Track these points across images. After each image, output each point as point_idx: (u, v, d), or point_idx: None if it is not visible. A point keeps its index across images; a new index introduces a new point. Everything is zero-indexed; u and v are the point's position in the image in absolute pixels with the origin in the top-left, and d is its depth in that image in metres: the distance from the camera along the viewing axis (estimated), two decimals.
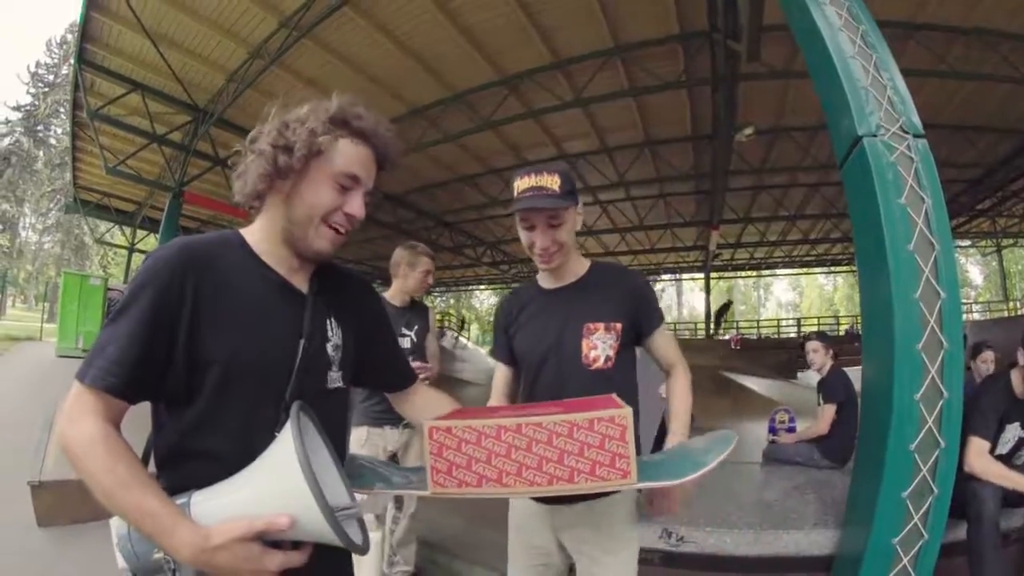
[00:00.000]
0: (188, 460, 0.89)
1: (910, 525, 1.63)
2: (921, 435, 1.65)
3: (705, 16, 6.56)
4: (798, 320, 27.76)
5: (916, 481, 1.63)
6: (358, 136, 0.98)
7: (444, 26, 7.22)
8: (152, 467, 0.90)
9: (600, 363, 1.44)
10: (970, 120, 8.67)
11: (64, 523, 3.30)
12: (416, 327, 2.90)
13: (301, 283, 1.00)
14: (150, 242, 18.28)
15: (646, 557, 2.34)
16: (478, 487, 0.94)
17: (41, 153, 44.83)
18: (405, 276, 2.92)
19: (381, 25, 7.32)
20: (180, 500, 0.78)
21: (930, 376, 1.67)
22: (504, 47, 7.75)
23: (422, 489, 0.98)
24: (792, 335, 23.30)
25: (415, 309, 2.98)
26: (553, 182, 1.39)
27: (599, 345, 1.44)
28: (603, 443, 0.91)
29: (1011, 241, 17.75)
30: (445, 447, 0.95)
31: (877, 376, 1.82)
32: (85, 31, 8.14)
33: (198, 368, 0.86)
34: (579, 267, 1.55)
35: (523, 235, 1.48)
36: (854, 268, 21.24)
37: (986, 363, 3.90)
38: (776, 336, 24.17)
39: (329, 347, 1.00)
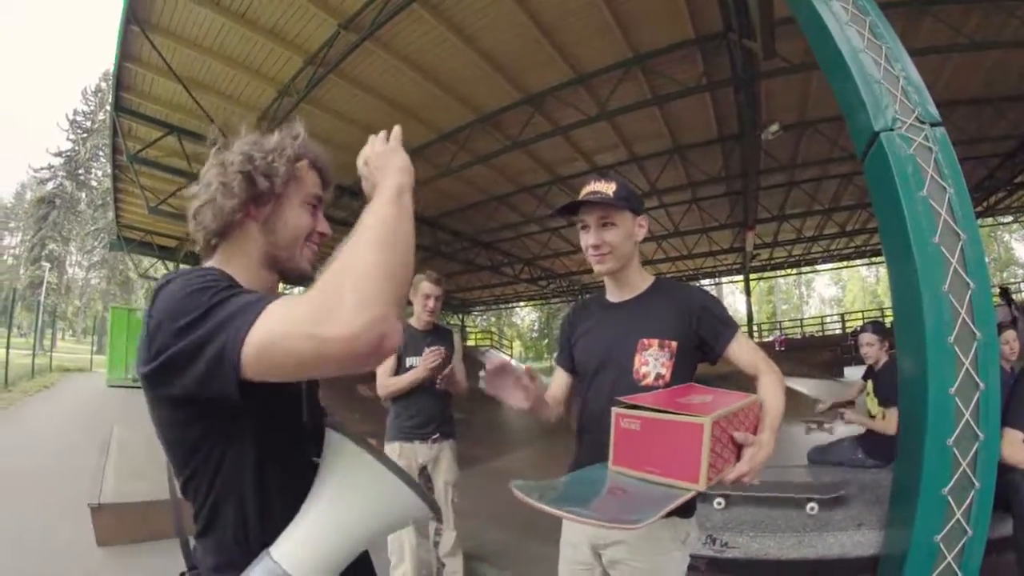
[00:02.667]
0: (250, 518, 0.88)
1: (952, 521, 1.60)
2: (959, 429, 1.62)
3: (719, 18, 6.53)
4: (842, 315, 27.00)
5: (956, 476, 1.61)
6: (314, 164, 1.04)
7: (464, 52, 7.35)
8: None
9: (650, 380, 1.46)
10: (998, 91, 8.24)
11: (123, 543, 3.48)
12: (441, 348, 3.02)
13: None
14: None
15: (691, 563, 2.36)
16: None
17: (83, 195, 47.60)
18: (412, 301, 3.07)
19: (404, 56, 7.50)
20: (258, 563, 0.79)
21: (964, 368, 1.65)
22: (525, 67, 7.84)
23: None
24: (836, 331, 22.69)
25: (437, 332, 3.12)
26: (608, 188, 1.49)
27: (650, 361, 1.46)
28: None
29: None
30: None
31: (911, 371, 1.80)
32: (119, 80, 8.52)
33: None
34: (642, 282, 1.60)
35: (581, 238, 1.56)
36: None
37: (1007, 344, 3.66)
38: (820, 334, 23.58)
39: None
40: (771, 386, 1.41)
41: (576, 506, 1.08)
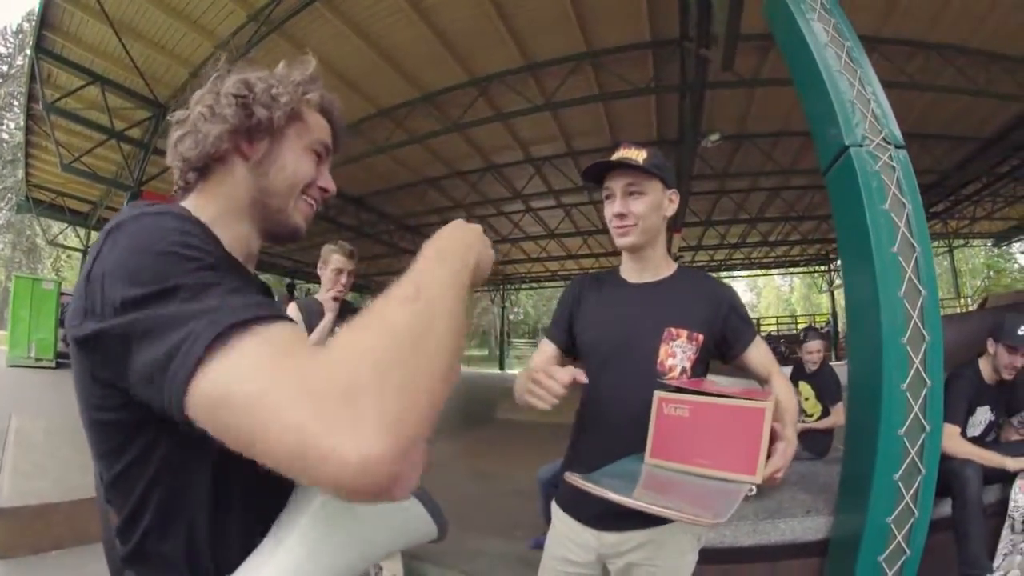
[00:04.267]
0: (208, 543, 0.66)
1: (902, 504, 1.77)
2: (909, 421, 1.79)
3: (677, 25, 6.76)
4: (757, 320, 28.71)
5: (906, 463, 1.77)
6: (323, 108, 0.89)
7: (417, 25, 7.18)
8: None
9: (675, 374, 1.34)
10: (928, 129, 9.14)
11: (25, 553, 3.01)
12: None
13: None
14: None
15: None
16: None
17: None
18: (320, 273, 2.81)
19: (353, 23, 7.23)
20: None
21: (915, 367, 1.81)
22: (476, 48, 7.75)
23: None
24: None
25: (347, 309, 2.82)
26: (639, 154, 1.37)
27: (678, 354, 1.35)
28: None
29: (962, 242, 18.73)
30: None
31: (865, 369, 1.95)
32: (44, 17, 7.75)
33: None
34: (666, 267, 1.49)
35: (606, 207, 1.44)
36: (811, 269, 22.25)
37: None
38: None
39: None
40: (783, 387, 1.36)
41: (651, 499, 0.96)
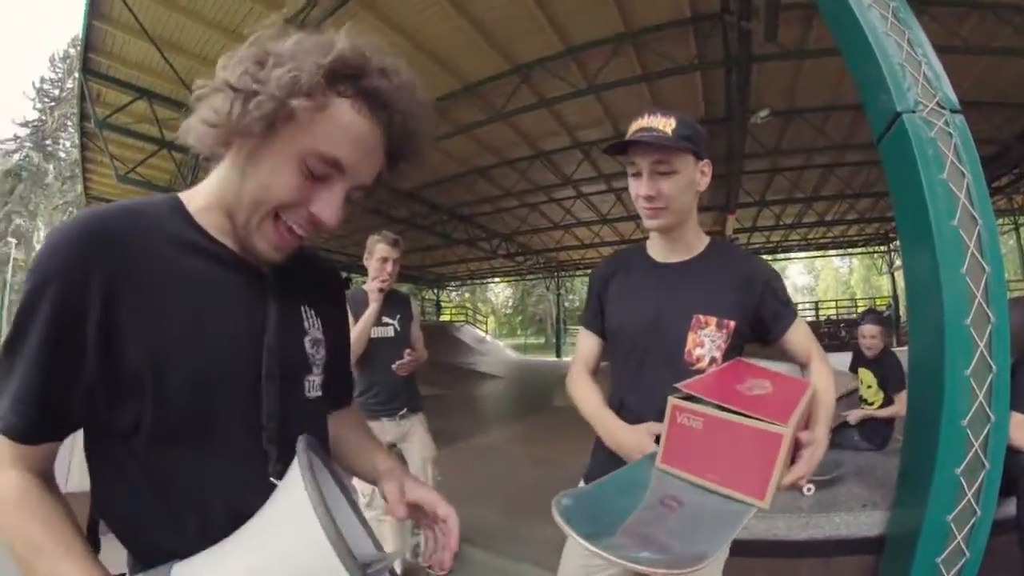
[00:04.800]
0: (145, 524, 0.66)
1: (963, 502, 1.62)
2: (972, 410, 1.63)
3: None
4: (815, 304, 27.60)
5: (969, 457, 1.62)
6: (365, 101, 0.67)
7: (453, 17, 7.17)
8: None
9: (704, 364, 1.26)
10: (985, 96, 8.47)
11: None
12: (399, 315, 2.88)
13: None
14: None
15: None
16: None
17: (51, 167, 46.48)
18: (367, 264, 2.82)
19: (389, 19, 7.27)
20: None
21: (979, 351, 1.66)
22: (514, 35, 7.66)
23: None
24: (810, 319, 23.21)
25: (394, 297, 2.89)
26: (667, 125, 1.21)
27: (707, 343, 1.26)
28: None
29: None
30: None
31: (926, 354, 1.80)
32: (88, 40, 8.16)
33: (123, 388, 0.62)
34: (697, 242, 1.37)
35: (630, 184, 1.31)
36: (870, 250, 21.29)
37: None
38: None
39: (307, 342, 0.76)
40: (824, 375, 1.26)
41: (630, 547, 0.87)
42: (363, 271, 3.14)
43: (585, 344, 1.46)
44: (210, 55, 8.40)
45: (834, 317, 21.73)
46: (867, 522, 2.05)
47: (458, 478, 4.73)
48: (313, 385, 0.76)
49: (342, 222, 0.71)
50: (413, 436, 2.90)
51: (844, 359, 3.96)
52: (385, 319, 2.81)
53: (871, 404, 3.67)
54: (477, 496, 4.19)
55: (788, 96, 8.81)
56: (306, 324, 0.76)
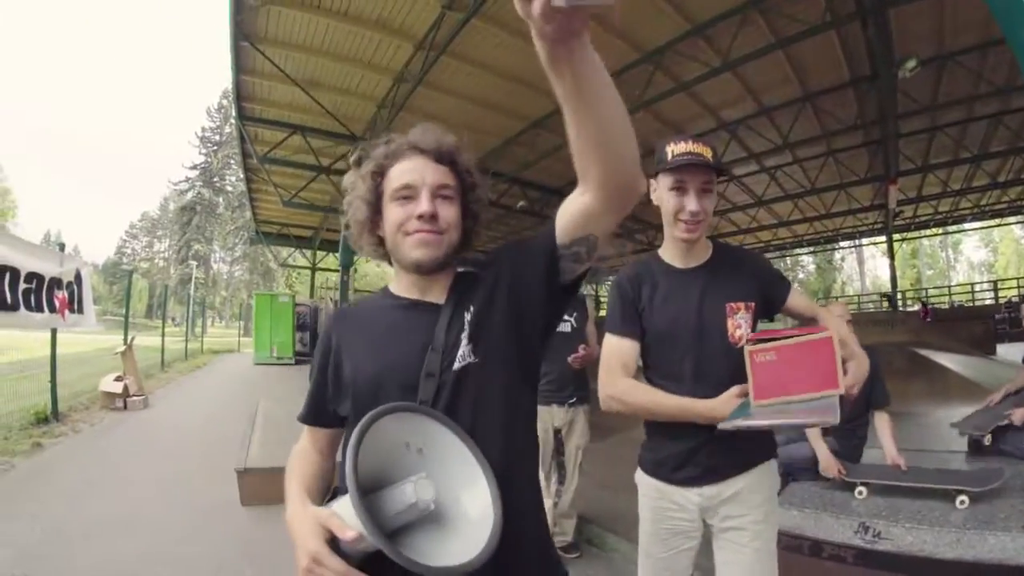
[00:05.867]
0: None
1: None
2: None
3: None
4: (994, 283, 23.77)
5: None
6: (403, 155, 1.03)
7: None
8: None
9: (743, 341, 1.46)
10: None
11: (263, 503, 3.80)
12: (575, 314, 3.17)
13: (439, 297, 1.03)
14: (330, 261, 20.59)
15: (838, 554, 2.18)
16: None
17: (221, 200, 54.58)
18: None
19: (510, 27, 7.44)
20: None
21: None
22: (638, 22, 7.55)
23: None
24: (988, 302, 20.19)
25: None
26: (707, 151, 1.44)
27: (742, 324, 1.49)
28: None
29: None
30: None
31: None
32: (239, 92, 9.27)
33: (342, 391, 1.02)
34: (706, 248, 1.59)
35: (671, 200, 1.49)
36: None
37: None
38: (970, 304, 20.85)
39: (464, 335, 0.99)
40: (830, 319, 1.54)
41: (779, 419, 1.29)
42: None
43: (625, 349, 1.58)
44: (351, 87, 9.25)
45: (1016, 299, 18.61)
46: None
47: (608, 469, 4.75)
48: (464, 355, 0.97)
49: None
50: (576, 424, 3.21)
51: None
52: (564, 316, 3.01)
53: None
54: (624, 488, 4.15)
55: (936, 40, 7.82)
56: (466, 322, 1.00)
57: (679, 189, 1.48)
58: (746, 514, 1.47)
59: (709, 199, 1.48)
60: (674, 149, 1.46)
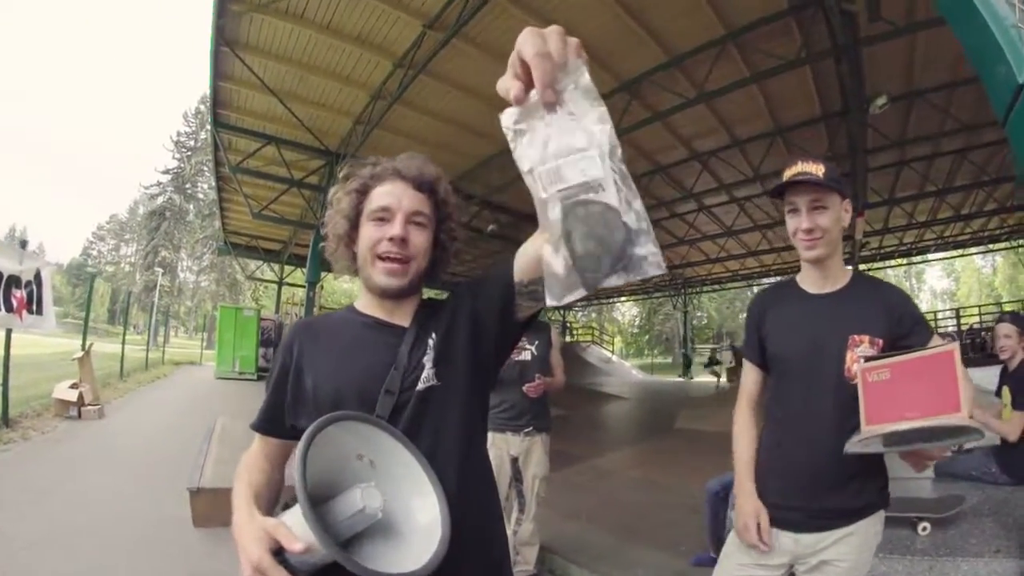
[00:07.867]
0: None
1: None
2: None
3: None
4: (956, 311, 24.49)
5: None
6: (386, 178, 1.07)
7: None
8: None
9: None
10: None
11: (216, 525, 3.61)
12: (537, 342, 3.12)
13: (403, 320, 1.07)
14: (297, 276, 20.22)
15: None
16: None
17: (191, 207, 53.33)
18: None
19: (493, 51, 7.48)
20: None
21: None
22: (617, 52, 7.70)
23: None
24: (951, 328, 20.75)
25: (536, 326, 3.07)
26: (817, 169, 1.45)
27: (862, 360, 1.38)
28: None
29: None
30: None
31: None
32: (216, 98, 9.14)
33: (301, 403, 1.03)
34: (842, 275, 1.54)
35: (789, 221, 1.52)
36: (1014, 244, 18.72)
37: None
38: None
39: (427, 359, 1.02)
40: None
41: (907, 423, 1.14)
42: None
43: (749, 377, 1.62)
44: (328, 101, 9.20)
45: (977, 326, 19.17)
46: (998, 571, 1.82)
47: (572, 499, 4.73)
48: (427, 377, 1.01)
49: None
50: (533, 453, 3.13)
51: (989, 374, 3.55)
52: (525, 344, 3.07)
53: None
54: (588, 518, 4.21)
55: (905, 78, 8.09)
56: (429, 347, 1.03)
57: (793, 210, 1.50)
58: (842, 561, 1.41)
59: (823, 215, 1.46)
60: (786, 173, 1.49)
